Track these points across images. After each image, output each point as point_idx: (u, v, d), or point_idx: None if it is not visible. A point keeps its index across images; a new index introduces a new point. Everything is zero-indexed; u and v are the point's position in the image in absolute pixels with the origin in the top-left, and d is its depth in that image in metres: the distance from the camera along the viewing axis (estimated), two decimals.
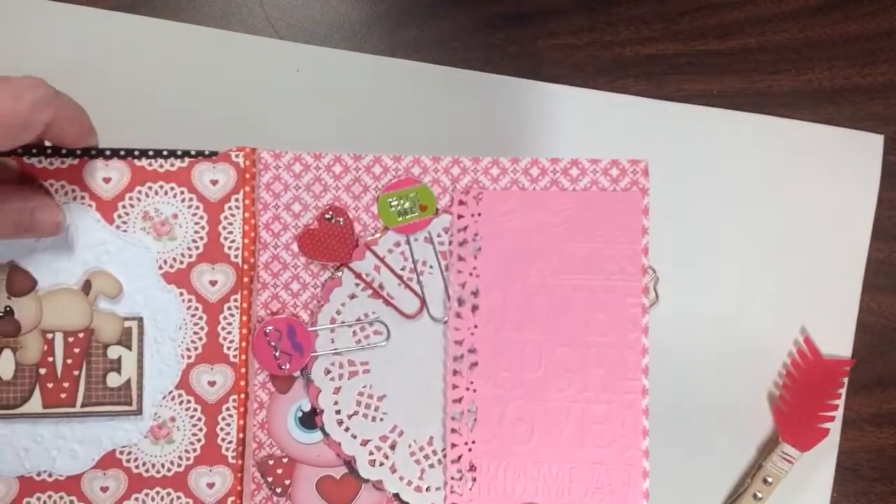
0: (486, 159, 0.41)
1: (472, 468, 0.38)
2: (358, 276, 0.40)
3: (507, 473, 0.38)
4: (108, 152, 0.39)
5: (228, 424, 0.39)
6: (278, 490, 0.39)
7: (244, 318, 0.39)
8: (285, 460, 0.39)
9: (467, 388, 0.39)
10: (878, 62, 0.54)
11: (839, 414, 0.51)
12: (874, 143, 0.53)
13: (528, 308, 0.40)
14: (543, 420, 0.39)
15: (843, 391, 0.51)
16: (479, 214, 0.40)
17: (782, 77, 0.53)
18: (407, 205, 0.40)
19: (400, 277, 0.40)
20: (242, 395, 0.39)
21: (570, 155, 0.51)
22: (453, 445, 0.39)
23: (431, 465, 0.39)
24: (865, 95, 0.53)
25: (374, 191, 0.41)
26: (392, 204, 0.40)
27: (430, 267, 0.40)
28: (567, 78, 0.52)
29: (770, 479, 0.50)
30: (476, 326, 0.40)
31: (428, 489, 0.39)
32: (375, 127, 0.51)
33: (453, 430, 0.39)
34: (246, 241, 0.39)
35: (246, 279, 0.39)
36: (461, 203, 0.40)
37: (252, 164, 0.40)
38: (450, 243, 0.40)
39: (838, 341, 0.52)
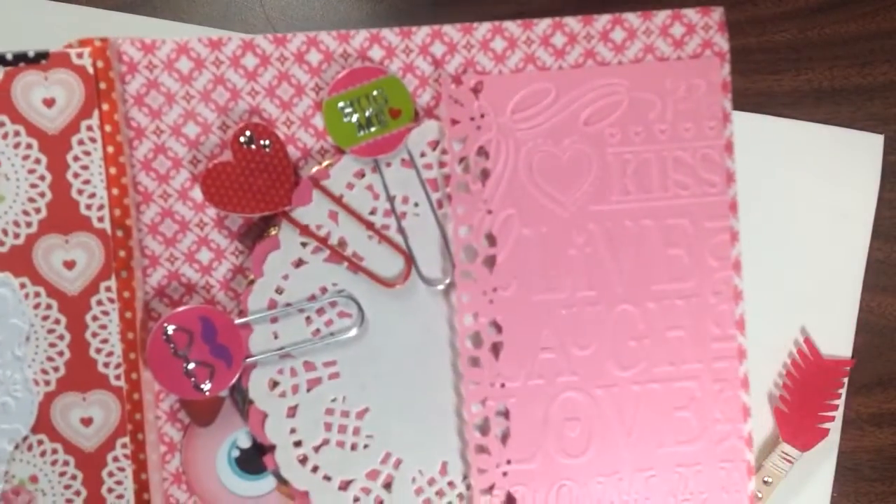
0: (484, 25, 0.26)
1: (511, 500, 0.26)
2: (304, 230, 0.25)
3: (559, 493, 0.26)
4: None
5: (119, 482, 0.25)
6: None
7: (126, 314, 0.25)
8: None
9: (492, 384, 0.26)
10: (878, 62, 0.54)
11: (839, 414, 0.52)
12: (874, 143, 0.53)
13: (568, 253, 0.26)
14: (602, 416, 0.26)
15: (843, 391, 0.51)
16: (482, 116, 0.26)
17: (782, 77, 0.54)
18: (370, 110, 0.25)
19: (370, 226, 0.26)
20: (139, 436, 0.25)
21: None
22: (480, 471, 0.25)
23: (450, 502, 0.26)
24: (865, 95, 0.54)
25: (314, 92, 0.26)
26: (346, 111, 0.25)
27: (416, 205, 0.26)
28: None
29: (770, 479, 0.50)
30: (495, 290, 0.26)
31: None
32: None
33: (479, 449, 0.25)
34: (115, 191, 0.25)
35: (123, 253, 0.25)
36: (454, 100, 0.26)
37: (108, 65, 0.25)
38: (441, 166, 0.26)
39: (838, 341, 0.52)
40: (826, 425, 0.51)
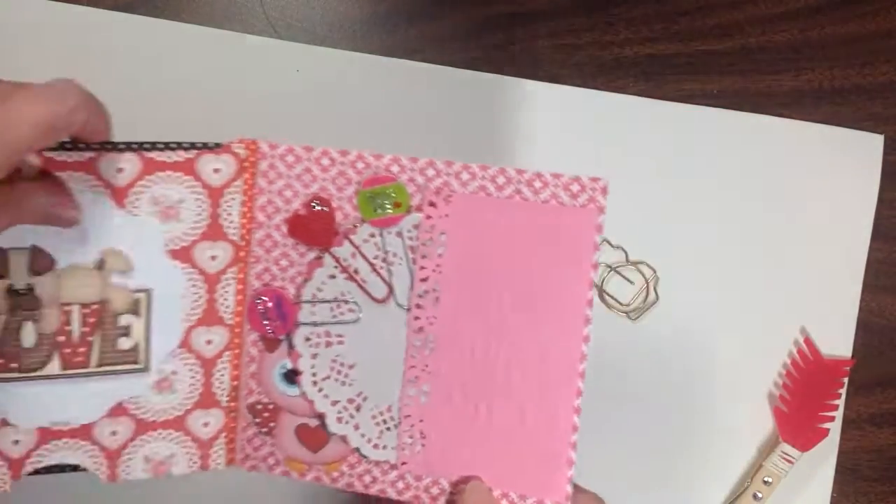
0: (458, 164, 0.43)
1: (423, 436, 0.44)
2: (337, 260, 0.44)
3: (451, 444, 0.44)
4: (121, 146, 0.43)
5: (223, 375, 0.45)
6: (264, 430, 0.45)
7: (239, 287, 0.45)
8: (271, 406, 0.45)
9: (423, 370, 0.44)
10: (878, 62, 0.54)
11: (839, 414, 0.52)
12: (874, 143, 0.54)
13: (482, 306, 0.44)
14: (487, 402, 0.44)
15: (843, 391, 0.52)
16: (447, 216, 0.44)
17: (782, 77, 0.54)
18: (383, 200, 0.44)
19: (372, 265, 0.44)
20: (237, 351, 0.45)
21: (569, 155, 0.52)
22: (406, 416, 0.44)
23: (388, 429, 0.44)
24: (865, 95, 0.54)
25: (357, 184, 0.44)
26: (369, 198, 0.44)
27: (399, 259, 0.44)
28: (567, 78, 0.52)
29: (770, 479, 0.50)
30: (435, 317, 0.44)
31: (384, 447, 0.44)
32: (375, 127, 0.51)
33: (407, 404, 0.44)
34: (244, 220, 0.44)
35: (242, 254, 0.45)
36: (431, 204, 0.44)
37: (252, 154, 0.44)
38: (418, 239, 0.44)
39: (838, 341, 0.52)
40: (826, 425, 0.52)
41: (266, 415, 0.45)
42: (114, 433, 0.44)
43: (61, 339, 0.43)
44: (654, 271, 0.53)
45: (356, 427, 0.45)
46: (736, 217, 0.54)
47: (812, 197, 0.54)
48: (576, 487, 0.45)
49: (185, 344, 0.44)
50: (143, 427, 0.44)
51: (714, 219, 0.53)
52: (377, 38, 0.54)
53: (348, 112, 0.52)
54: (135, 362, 0.44)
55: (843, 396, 0.53)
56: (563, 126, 0.54)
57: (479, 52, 0.54)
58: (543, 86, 0.54)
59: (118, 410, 0.44)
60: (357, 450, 0.45)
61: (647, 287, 0.52)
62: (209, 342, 0.45)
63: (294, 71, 0.53)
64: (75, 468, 0.43)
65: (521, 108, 0.54)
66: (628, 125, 0.54)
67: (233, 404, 0.45)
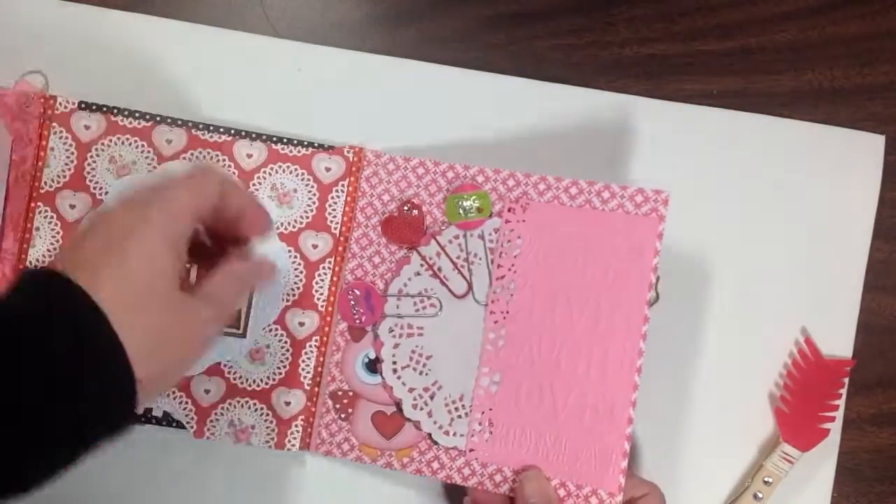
0: (536, 176, 0.50)
1: (491, 424, 0.49)
2: (423, 258, 0.50)
3: (516, 434, 0.48)
4: (253, 135, 0.51)
5: (309, 358, 0.50)
6: (342, 416, 0.50)
7: (334, 277, 0.51)
8: (350, 394, 0.50)
9: (496, 360, 0.49)
10: (878, 62, 0.55)
11: (839, 414, 0.52)
12: (874, 143, 0.55)
13: (552, 304, 0.49)
14: (551, 394, 0.48)
15: (843, 391, 0.52)
16: (524, 221, 0.50)
17: (782, 77, 0.55)
18: (468, 204, 0.50)
19: (454, 264, 0.50)
20: (324, 338, 0.51)
21: (570, 154, 0.52)
22: (477, 404, 0.49)
23: (459, 417, 0.49)
24: (865, 95, 0.55)
25: (446, 191, 0.51)
26: (455, 203, 0.50)
27: (480, 259, 0.50)
28: (567, 78, 0.53)
29: (770, 479, 0.51)
30: (508, 312, 0.49)
31: (454, 434, 0.49)
32: (375, 126, 0.51)
33: (479, 393, 0.49)
34: (345, 218, 0.51)
35: (340, 248, 0.51)
36: (510, 210, 0.50)
37: (359, 159, 0.51)
38: (497, 242, 0.50)
39: (839, 341, 0.54)
40: (826, 425, 0.53)
41: (345, 401, 0.50)
42: (207, 391, 0.49)
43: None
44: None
45: (429, 414, 0.50)
46: (735, 217, 0.54)
47: (812, 197, 0.55)
48: (636, 477, 0.48)
49: (280, 321, 0.50)
50: (232, 391, 0.50)
51: (713, 219, 0.54)
52: (377, 37, 0.54)
53: (348, 111, 0.53)
54: (236, 328, 0.49)
55: (844, 396, 0.54)
56: (561, 125, 0.54)
57: (479, 52, 0.55)
58: (543, 86, 0.54)
59: (214, 370, 0.50)
60: (429, 435, 0.49)
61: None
62: (301, 324, 0.50)
63: (295, 70, 0.53)
64: (170, 422, 0.50)
65: (521, 109, 0.54)
66: (628, 125, 0.54)
67: (315, 389, 0.51)
